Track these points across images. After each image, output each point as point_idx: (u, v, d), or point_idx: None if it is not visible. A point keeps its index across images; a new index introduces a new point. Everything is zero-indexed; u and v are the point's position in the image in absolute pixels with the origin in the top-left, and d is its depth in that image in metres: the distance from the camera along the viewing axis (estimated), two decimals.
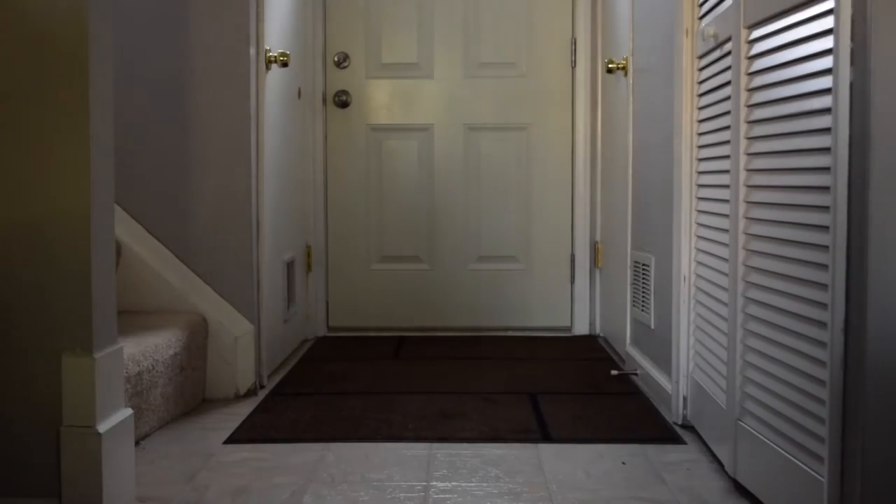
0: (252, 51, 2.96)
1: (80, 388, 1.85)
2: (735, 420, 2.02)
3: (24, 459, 1.88)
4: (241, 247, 2.98)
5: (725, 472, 2.13)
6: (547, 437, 2.46)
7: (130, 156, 2.96)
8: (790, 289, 1.76)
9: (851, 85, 1.52)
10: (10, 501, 1.88)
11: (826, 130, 1.61)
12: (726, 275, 2.12)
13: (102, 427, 1.86)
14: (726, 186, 2.13)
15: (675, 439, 2.44)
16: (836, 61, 1.54)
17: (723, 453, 2.13)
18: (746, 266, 1.99)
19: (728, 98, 2.13)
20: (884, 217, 1.47)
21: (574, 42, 4.05)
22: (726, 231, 2.12)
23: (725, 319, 2.12)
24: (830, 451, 1.57)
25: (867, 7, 1.47)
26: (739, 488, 2.04)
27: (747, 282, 1.98)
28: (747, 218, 1.98)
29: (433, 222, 4.10)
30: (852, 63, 1.52)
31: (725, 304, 2.13)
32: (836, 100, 1.54)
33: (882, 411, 1.49)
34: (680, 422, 2.56)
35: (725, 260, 2.14)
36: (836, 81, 1.54)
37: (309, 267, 3.98)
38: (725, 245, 2.14)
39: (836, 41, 1.54)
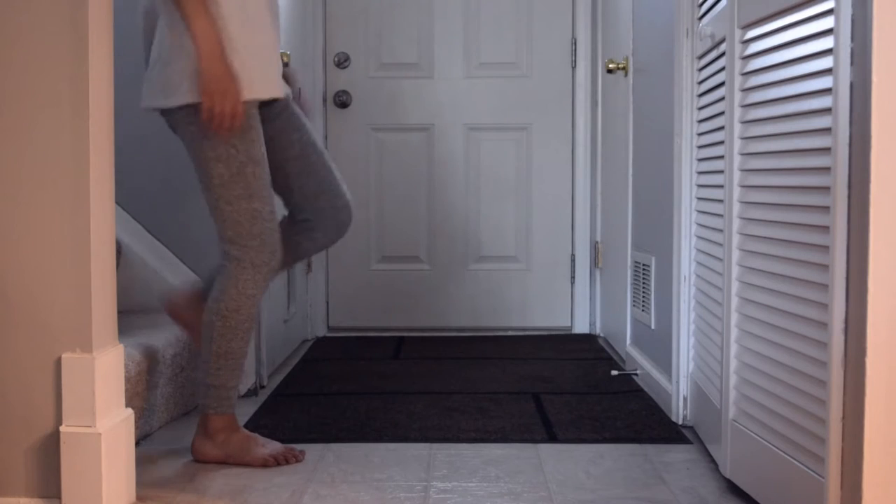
0: None
1: (80, 388, 1.85)
2: (730, 420, 2.02)
3: (24, 459, 1.88)
4: None
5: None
6: (553, 438, 2.46)
7: (130, 155, 2.96)
8: (789, 289, 1.76)
9: (851, 85, 1.52)
10: (10, 501, 1.88)
11: (826, 131, 1.60)
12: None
13: (102, 427, 1.86)
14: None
15: (675, 439, 2.44)
16: (836, 61, 1.54)
17: (718, 453, 2.13)
18: (741, 266, 1.98)
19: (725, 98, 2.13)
20: (884, 217, 1.47)
21: (574, 42, 4.06)
22: None
23: (721, 319, 2.12)
24: (831, 452, 1.57)
25: (867, 7, 1.47)
26: (738, 488, 2.04)
27: (742, 282, 1.98)
28: (742, 218, 1.98)
29: (433, 222, 4.10)
30: (852, 63, 1.52)
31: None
32: (836, 100, 1.54)
33: (882, 411, 1.49)
34: (680, 422, 2.56)
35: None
36: (836, 82, 1.54)
37: (309, 267, 3.98)
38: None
39: (837, 41, 1.54)
